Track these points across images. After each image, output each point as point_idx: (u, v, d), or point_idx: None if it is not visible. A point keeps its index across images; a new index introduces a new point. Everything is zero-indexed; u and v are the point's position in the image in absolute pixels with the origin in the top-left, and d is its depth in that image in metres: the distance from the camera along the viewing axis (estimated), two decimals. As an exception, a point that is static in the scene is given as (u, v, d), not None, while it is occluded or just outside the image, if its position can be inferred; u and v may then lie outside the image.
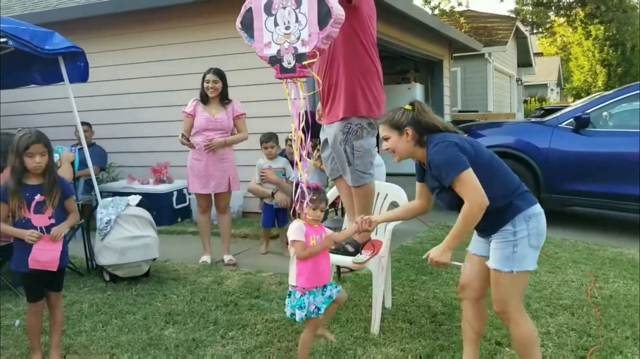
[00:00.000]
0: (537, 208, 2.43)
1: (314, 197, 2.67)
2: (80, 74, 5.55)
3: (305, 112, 2.68)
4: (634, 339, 3.15)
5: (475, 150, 2.45)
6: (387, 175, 10.29)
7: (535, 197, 2.48)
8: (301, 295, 2.67)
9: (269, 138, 5.11)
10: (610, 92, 6.72)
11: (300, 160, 2.68)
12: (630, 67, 30.01)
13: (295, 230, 2.68)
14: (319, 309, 2.67)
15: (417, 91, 11.18)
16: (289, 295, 2.74)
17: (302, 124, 2.72)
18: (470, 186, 2.34)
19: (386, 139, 2.60)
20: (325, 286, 2.73)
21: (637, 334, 3.22)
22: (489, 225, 2.43)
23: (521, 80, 21.43)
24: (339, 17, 2.49)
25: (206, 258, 4.85)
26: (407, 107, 2.60)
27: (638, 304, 3.70)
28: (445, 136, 2.48)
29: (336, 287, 2.79)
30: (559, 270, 4.44)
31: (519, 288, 2.45)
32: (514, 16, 19.02)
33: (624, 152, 5.62)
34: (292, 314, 2.70)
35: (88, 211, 5.54)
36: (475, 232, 2.60)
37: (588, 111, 5.95)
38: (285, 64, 2.59)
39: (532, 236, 2.38)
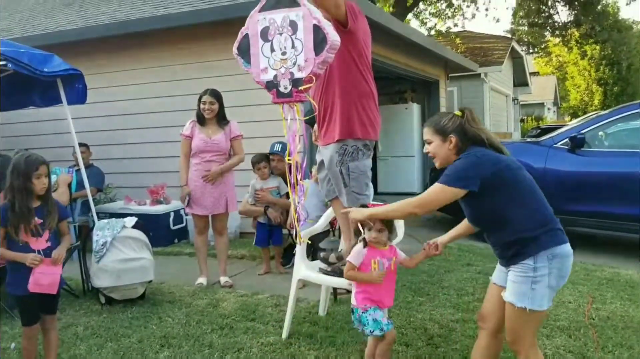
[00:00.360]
0: (565, 249, 2.32)
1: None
2: (78, 96, 5.61)
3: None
4: (633, 362, 3.14)
5: (512, 174, 2.37)
6: (384, 194, 10.30)
7: (564, 238, 2.35)
8: (363, 312, 2.74)
9: (260, 159, 5.13)
10: (606, 111, 6.76)
11: (297, 184, 2.70)
12: (626, 86, 30.31)
13: (353, 251, 2.78)
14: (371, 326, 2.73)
15: (414, 111, 11.25)
16: (352, 311, 2.82)
17: (299, 147, 2.75)
18: (434, 195, 2.38)
19: (428, 143, 2.55)
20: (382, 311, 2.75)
21: (634, 356, 3.20)
22: (510, 255, 2.36)
23: (517, 100, 21.58)
24: (334, 43, 2.53)
25: (202, 280, 4.83)
26: (457, 112, 2.53)
27: (636, 325, 3.68)
28: (480, 150, 2.41)
29: (389, 323, 2.77)
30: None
31: (532, 324, 2.38)
32: (510, 36, 19.23)
33: (620, 171, 5.64)
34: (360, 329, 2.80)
35: (85, 233, 5.54)
36: (498, 260, 2.53)
37: (583, 131, 5.99)
38: (281, 89, 2.62)
39: (553, 276, 2.29)
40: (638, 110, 6.02)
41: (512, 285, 2.35)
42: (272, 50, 2.60)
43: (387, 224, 2.73)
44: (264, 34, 2.61)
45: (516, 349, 2.42)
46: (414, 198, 2.47)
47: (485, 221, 2.46)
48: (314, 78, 2.54)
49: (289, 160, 2.82)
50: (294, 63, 2.55)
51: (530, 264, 2.29)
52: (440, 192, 2.36)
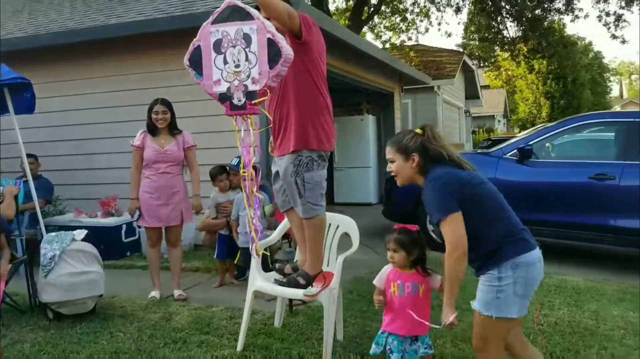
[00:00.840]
0: (529, 257, 2.34)
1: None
2: (26, 105, 5.45)
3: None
4: (578, 366, 3.24)
5: (472, 189, 2.39)
6: (340, 204, 10.36)
7: (531, 245, 2.38)
8: (380, 333, 2.75)
9: (220, 172, 5.09)
10: (553, 123, 7.01)
11: (252, 195, 2.69)
12: (572, 100, 31.56)
13: (379, 273, 2.77)
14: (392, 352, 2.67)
15: (369, 122, 11.40)
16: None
17: (254, 159, 2.75)
18: (450, 232, 2.30)
19: (391, 162, 2.56)
20: (417, 338, 2.68)
21: (580, 361, 3.31)
22: (477, 266, 2.41)
23: (469, 112, 22.12)
24: (288, 56, 2.55)
25: (155, 294, 4.74)
26: (418, 130, 2.54)
27: (582, 331, 3.81)
28: (442, 172, 2.41)
29: (427, 347, 2.70)
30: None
31: (498, 332, 2.39)
32: (461, 50, 19.72)
33: (566, 181, 5.86)
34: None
35: (32, 246, 5.35)
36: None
37: (531, 142, 6.18)
38: (235, 101, 2.62)
39: (519, 284, 2.31)
40: (582, 123, 6.29)
41: (479, 294, 2.39)
42: (225, 62, 2.59)
43: (402, 245, 2.67)
44: (217, 46, 2.60)
45: (482, 357, 2.45)
46: (447, 250, 2.32)
47: None
48: (268, 91, 2.56)
49: (243, 172, 2.81)
50: (248, 76, 2.56)
51: (495, 274, 2.32)
52: (453, 222, 2.31)
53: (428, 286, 2.69)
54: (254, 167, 2.85)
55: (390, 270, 2.75)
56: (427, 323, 2.60)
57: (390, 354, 2.69)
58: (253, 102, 2.55)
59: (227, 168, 5.23)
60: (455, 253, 2.29)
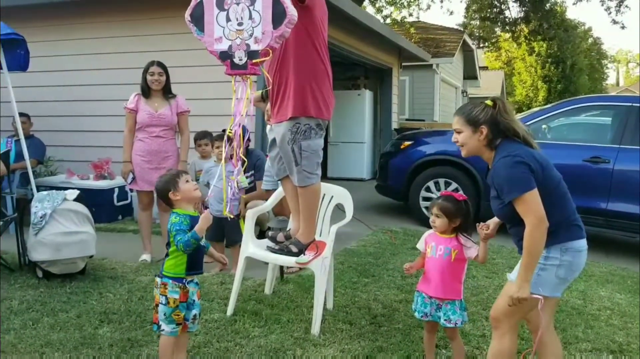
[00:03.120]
0: (580, 245, 2.34)
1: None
2: (20, 62, 5.37)
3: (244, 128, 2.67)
4: (565, 343, 3.27)
5: (544, 172, 2.32)
6: (334, 179, 10.37)
7: (583, 234, 2.36)
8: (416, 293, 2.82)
9: (203, 136, 5.01)
10: (549, 105, 6.99)
11: (237, 158, 2.66)
12: (569, 84, 31.48)
13: (421, 237, 2.84)
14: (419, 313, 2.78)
15: (366, 97, 11.33)
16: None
17: (242, 124, 2.69)
18: (532, 208, 2.23)
19: (458, 132, 2.46)
20: (440, 306, 2.72)
21: (567, 339, 3.35)
22: None
23: (466, 92, 22.03)
24: (293, 17, 2.50)
25: (146, 257, 4.73)
26: (488, 102, 2.44)
27: (569, 309, 3.85)
28: (517, 148, 2.32)
29: (447, 320, 2.69)
30: (496, 275, 4.57)
31: (524, 308, 2.36)
32: (462, 29, 19.55)
33: (561, 163, 5.79)
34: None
35: (22, 205, 5.32)
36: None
37: (528, 123, 6.15)
38: (236, 60, 2.57)
39: (563, 267, 2.31)
40: (580, 105, 6.27)
41: (520, 268, 2.33)
42: (228, 19, 2.53)
43: (445, 211, 2.67)
44: (220, 3, 2.54)
45: (495, 326, 2.43)
46: (528, 227, 2.23)
47: (512, 217, 2.35)
48: (270, 51, 2.50)
49: (230, 132, 2.75)
50: (251, 35, 2.50)
51: (543, 253, 2.29)
52: (534, 198, 2.23)
53: (462, 253, 2.70)
54: (243, 129, 2.78)
55: (431, 233, 2.79)
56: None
57: (415, 312, 2.80)
58: (254, 61, 2.49)
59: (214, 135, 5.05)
60: (541, 227, 2.23)
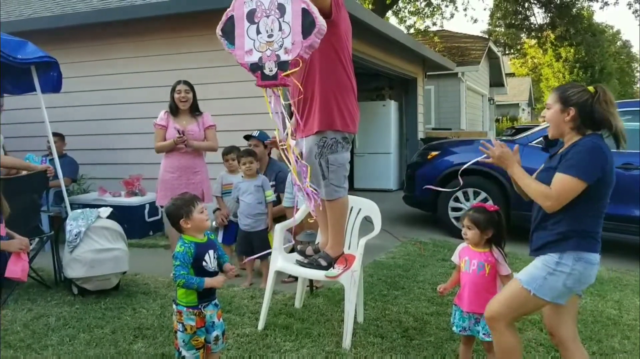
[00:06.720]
0: (594, 258, 2.29)
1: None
2: (52, 84, 5.51)
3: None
4: (601, 355, 3.21)
5: (609, 182, 2.29)
6: (360, 190, 10.32)
7: (598, 249, 2.32)
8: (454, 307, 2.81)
9: (229, 151, 5.06)
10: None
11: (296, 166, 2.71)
12: (598, 89, 30.83)
13: (455, 250, 2.84)
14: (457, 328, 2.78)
15: (391, 108, 11.32)
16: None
17: (288, 131, 2.75)
18: (564, 189, 2.22)
19: (548, 108, 2.41)
20: (477, 320, 2.71)
21: (604, 350, 3.28)
22: (543, 243, 2.35)
23: (493, 100, 21.84)
24: (322, 27, 2.53)
25: (177, 272, 4.78)
26: (590, 88, 2.36)
27: (605, 320, 3.77)
28: (606, 147, 2.28)
29: (486, 334, 2.66)
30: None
31: (524, 309, 2.38)
32: (487, 37, 19.44)
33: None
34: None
35: (57, 223, 5.44)
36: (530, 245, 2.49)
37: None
38: (266, 72, 2.61)
39: (572, 277, 2.27)
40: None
41: (529, 267, 2.36)
42: (258, 32, 2.58)
43: (476, 222, 2.67)
44: (250, 16, 2.59)
45: (491, 325, 2.42)
46: (546, 189, 2.27)
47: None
48: (300, 62, 2.54)
49: (282, 145, 2.81)
50: (281, 46, 2.54)
51: (555, 258, 2.28)
52: (575, 186, 2.22)
53: (495, 267, 2.68)
54: (263, 135, 2.85)
55: (464, 246, 2.78)
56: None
57: (453, 326, 2.79)
58: (285, 73, 2.53)
59: (248, 138, 4.99)
60: (547, 201, 2.25)
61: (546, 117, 2.44)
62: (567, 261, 2.27)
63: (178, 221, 2.56)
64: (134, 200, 6.52)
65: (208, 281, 2.47)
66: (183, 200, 2.62)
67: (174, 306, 2.57)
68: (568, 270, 2.26)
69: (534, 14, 19.43)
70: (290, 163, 2.91)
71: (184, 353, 2.53)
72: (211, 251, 2.57)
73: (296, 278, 3.98)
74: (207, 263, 2.53)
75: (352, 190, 10.73)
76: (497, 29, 21.01)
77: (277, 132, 2.73)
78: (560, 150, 2.41)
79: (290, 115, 3.62)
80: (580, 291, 2.42)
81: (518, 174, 2.42)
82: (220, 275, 2.57)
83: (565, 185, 2.23)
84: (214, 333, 2.58)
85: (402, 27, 19.20)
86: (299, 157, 2.84)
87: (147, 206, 6.60)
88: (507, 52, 22.44)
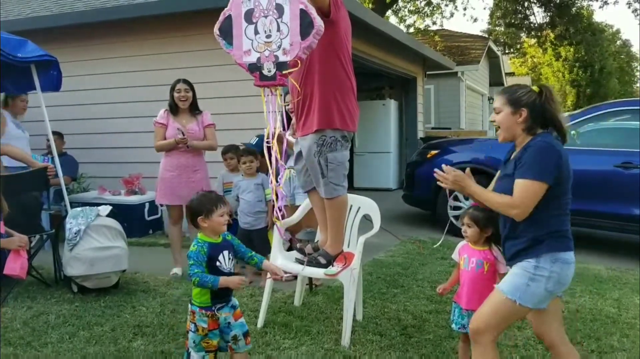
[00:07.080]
0: (569, 256, 2.29)
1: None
2: (52, 83, 5.51)
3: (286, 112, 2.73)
4: (600, 353, 3.22)
5: (567, 178, 2.28)
6: (360, 189, 10.34)
7: (572, 246, 2.32)
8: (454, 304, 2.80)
9: (228, 150, 5.06)
10: (578, 111, 6.89)
11: (276, 168, 2.71)
12: (598, 88, 30.94)
13: (456, 247, 2.81)
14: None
15: (391, 107, 11.33)
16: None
17: (278, 132, 2.76)
18: (525, 195, 2.22)
19: (497, 112, 2.40)
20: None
21: (602, 348, 3.29)
22: (517, 251, 2.33)
23: (493, 99, 21.83)
24: (320, 28, 2.54)
25: (177, 270, 4.80)
26: (534, 88, 2.37)
27: (603, 318, 3.78)
28: (558, 144, 2.29)
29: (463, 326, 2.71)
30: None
31: (509, 319, 2.35)
32: (487, 36, 19.45)
33: (592, 169, 5.76)
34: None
35: (57, 222, 5.45)
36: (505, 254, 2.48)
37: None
38: (265, 72, 2.62)
39: (552, 280, 2.24)
40: (609, 110, 6.17)
41: (509, 277, 2.33)
42: (256, 32, 2.59)
43: (476, 220, 2.64)
44: (248, 16, 2.60)
45: (475, 339, 2.36)
46: (509, 199, 2.27)
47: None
48: (298, 62, 2.55)
49: (267, 143, 2.82)
50: (279, 47, 2.55)
51: (532, 262, 2.26)
52: (536, 189, 2.22)
53: (495, 266, 2.68)
54: (279, 137, 2.85)
55: (464, 244, 2.78)
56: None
57: (452, 324, 2.79)
58: (283, 72, 2.54)
59: (240, 148, 5.04)
60: (512, 210, 2.25)
61: (496, 120, 2.42)
62: (545, 264, 2.25)
63: (197, 217, 2.52)
64: (134, 199, 6.53)
65: (223, 280, 2.43)
66: (208, 198, 2.57)
67: (189, 305, 2.54)
68: (547, 274, 2.24)
69: (533, 13, 19.44)
70: (270, 163, 2.90)
71: (192, 353, 2.51)
72: (226, 252, 2.54)
73: (295, 276, 3.99)
74: (221, 263, 2.50)
75: (352, 189, 10.74)
76: (497, 28, 21.03)
77: (266, 131, 2.73)
78: (513, 155, 2.41)
79: (287, 115, 3.63)
80: (561, 293, 2.41)
81: (477, 192, 2.42)
82: (236, 276, 2.53)
83: (526, 189, 2.23)
84: (232, 333, 2.52)
85: (401, 26, 19.20)
86: (279, 158, 2.84)
87: (147, 205, 6.61)
88: (506, 51, 22.46)
